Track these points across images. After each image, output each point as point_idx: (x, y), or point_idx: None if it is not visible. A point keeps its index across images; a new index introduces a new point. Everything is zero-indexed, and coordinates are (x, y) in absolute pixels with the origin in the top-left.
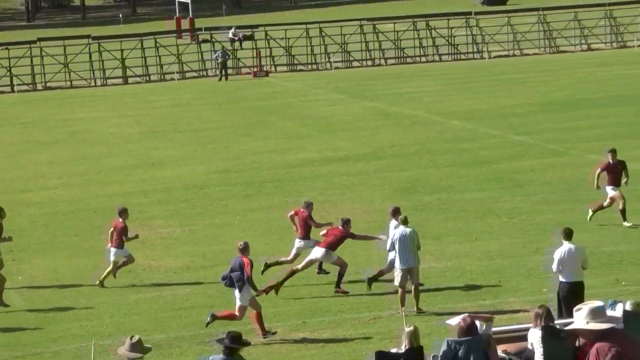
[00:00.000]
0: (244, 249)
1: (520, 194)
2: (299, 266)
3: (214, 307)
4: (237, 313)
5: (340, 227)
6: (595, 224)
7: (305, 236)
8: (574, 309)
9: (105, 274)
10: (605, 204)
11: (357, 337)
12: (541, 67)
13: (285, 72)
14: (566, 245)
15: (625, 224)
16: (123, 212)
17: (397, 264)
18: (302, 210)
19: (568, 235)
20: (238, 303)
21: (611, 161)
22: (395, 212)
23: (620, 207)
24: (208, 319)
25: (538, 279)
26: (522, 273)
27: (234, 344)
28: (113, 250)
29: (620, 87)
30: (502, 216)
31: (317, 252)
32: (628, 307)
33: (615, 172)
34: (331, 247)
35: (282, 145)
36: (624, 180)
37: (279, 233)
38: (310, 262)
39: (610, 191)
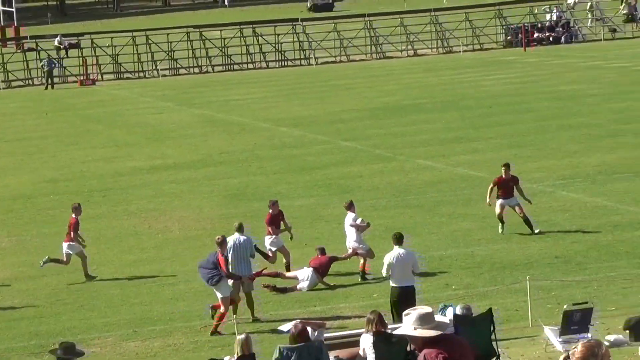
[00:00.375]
0: (222, 243)
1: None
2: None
3: (43, 317)
4: (222, 309)
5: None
6: (424, 230)
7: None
8: (403, 313)
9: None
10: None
11: (189, 345)
12: (368, 73)
13: (112, 80)
14: (396, 250)
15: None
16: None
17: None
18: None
19: (398, 240)
20: (220, 296)
21: (504, 176)
22: (350, 206)
23: (522, 216)
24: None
25: (368, 284)
26: (353, 278)
27: (67, 355)
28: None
29: (447, 93)
30: (332, 222)
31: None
32: (458, 311)
33: (507, 187)
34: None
35: (110, 153)
36: (522, 196)
37: (108, 242)
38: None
39: (498, 207)
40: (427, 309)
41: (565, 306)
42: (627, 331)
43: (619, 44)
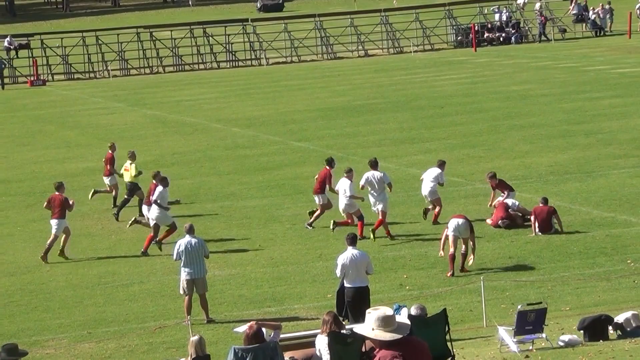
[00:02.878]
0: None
1: (302, 200)
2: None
3: None
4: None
5: None
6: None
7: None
8: (366, 312)
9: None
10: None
11: (143, 347)
12: (319, 74)
13: (63, 80)
14: (350, 251)
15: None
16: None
17: (183, 274)
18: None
19: (352, 240)
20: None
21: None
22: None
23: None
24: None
25: (323, 284)
26: (307, 279)
27: (11, 356)
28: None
29: (399, 93)
30: (285, 223)
31: None
32: (412, 311)
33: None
34: None
35: (63, 154)
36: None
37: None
38: None
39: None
40: (389, 311)
41: (519, 306)
42: (581, 331)
43: (569, 44)
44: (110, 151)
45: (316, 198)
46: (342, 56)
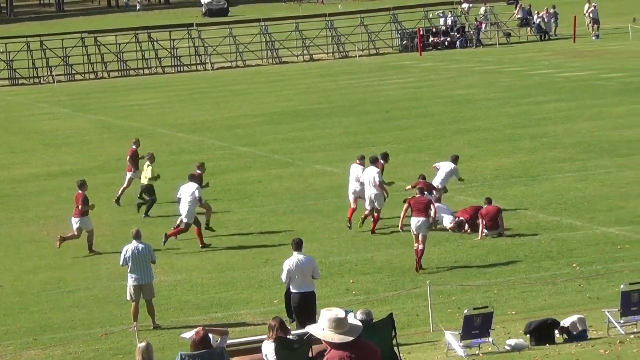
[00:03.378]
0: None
1: (248, 205)
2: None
3: None
4: None
5: None
6: (324, 235)
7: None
8: (321, 311)
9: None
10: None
11: (90, 353)
12: (264, 78)
13: (7, 86)
14: (296, 256)
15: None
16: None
17: (130, 280)
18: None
19: (297, 245)
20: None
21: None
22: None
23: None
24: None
25: (269, 290)
26: (253, 285)
27: None
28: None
29: (344, 97)
30: (232, 228)
31: None
32: (358, 316)
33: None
34: None
35: (7, 160)
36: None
37: (6, 249)
38: None
39: None
40: (341, 314)
41: (465, 310)
42: (528, 335)
43: (514, 48)
44: (134, 146)
45: None
46: (287, 61)
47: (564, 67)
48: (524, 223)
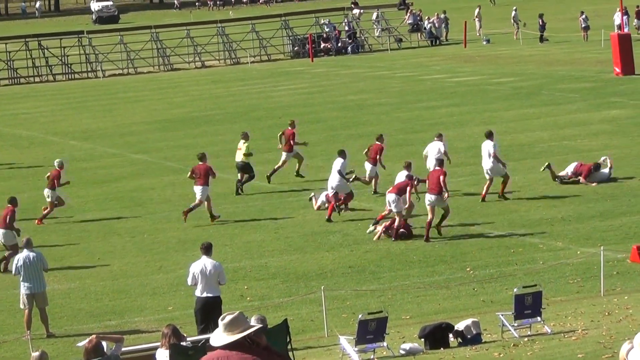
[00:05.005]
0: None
1: (141, 212)
2: None
3: None
4: None
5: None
6: (218, 241)
7: None
8: (219, 319)
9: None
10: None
11: None
12: (156, 85)
13: None
14: (202, 260)
15: None
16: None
17: (22, 289)
18: None
19: (206, 250)
20: None
21: None
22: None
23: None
24: None
25: (163, 297)
26: (147, 292)
27: None
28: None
29: (236, 104)
30: (124, 235)
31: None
32: (252, 322)
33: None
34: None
35: None
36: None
37: None
38: None
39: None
40: (235, 314)
41: (360, 315)
42: (422, 339)
43: (405, 53)
44: (290, 128)
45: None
46: (179, 68)
47: (455, 72)
48: (418, 228)
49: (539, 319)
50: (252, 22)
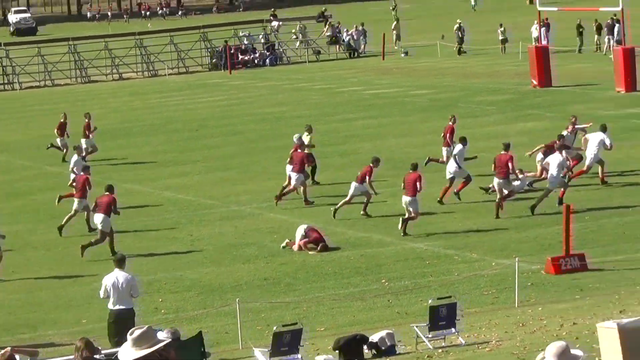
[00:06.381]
0: None
1: (57, 225)
2: None
3: None
4: None
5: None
6: (133, 253)
7: None
8: (128, 334)
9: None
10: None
11: None
12: (73, 98)
13: None
14: (115, 273)
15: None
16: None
17: None
18: None
19: (118, 262)
20: None
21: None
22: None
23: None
24: None
25: (78, 310)
26: (61, 305)
27: None
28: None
29: (154, 116)
30: (40, 248)
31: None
32: (165, 335)
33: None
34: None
35: None
36: None
37: None
38: None
39: None
40: (143, 328)
41: (275, 327)
42: (337, 351)
43: (323, 65)
44: (450, 123)
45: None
46: (96, 80)
47: (373, 84)
48: (334, 240)
49: (453, 330)
50: (171, 34)
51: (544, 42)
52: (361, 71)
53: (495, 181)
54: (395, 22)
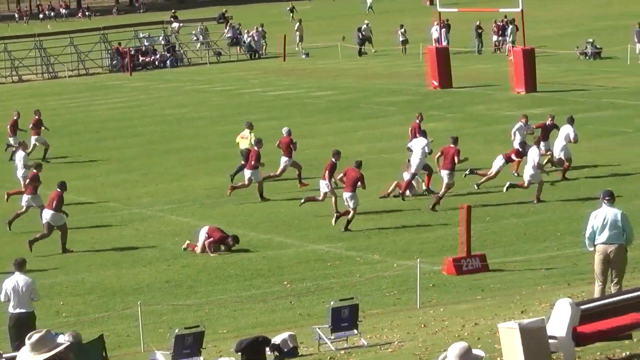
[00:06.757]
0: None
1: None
2: None
3: None
4: None
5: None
6: (34, 257)
7: None
8: (26, 338)
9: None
10: None
11: None
12: None
13: None
14: (15, 276)
15: None
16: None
17: None
18: None
19: (18, 265)
20: None
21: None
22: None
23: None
24: None
25: None
26: None
27: None
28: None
29: (54, 118)
30: None
31: None
32: (66, 338)
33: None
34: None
35: None
36: None
37: None
38: None
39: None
40: (41, 332)
41: (177, 330)
42: (239, 353)
43: (224, 67)
44: (417, 120)
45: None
46: None
47: (274, 85)
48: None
49: (355, 331)
50: (71, 35)
51: (444, 43)
52: (262, 72)
53: (440, 171)
54: (297, 24)
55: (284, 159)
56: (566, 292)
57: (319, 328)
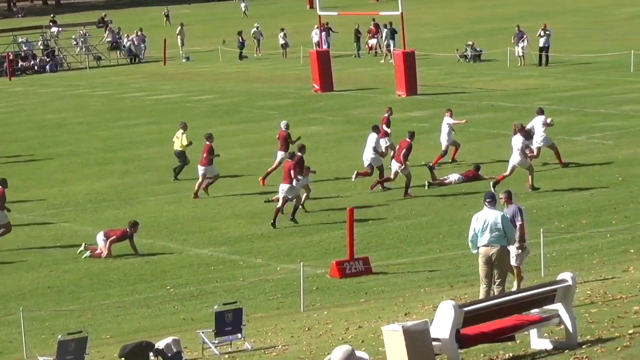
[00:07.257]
0: None
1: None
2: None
3: None
4: None
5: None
6: None
7: None
8: None
9: None
10: None
11: None
12: None
13: None
14: None
15: None
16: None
17: None
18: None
19: None
20: None
21: None
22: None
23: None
24: None
25: None
26: None
27: None
28: None
29: None
30: None
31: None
32: None
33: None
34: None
35: None
36: None
37: None
38: None
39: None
40: None
41: (59, 336)
42: (123, 359)
43: (104, 71)
44: (386, 115)
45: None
46: None
47: (155, 89)
48: (117, 245)
49: (239, 335)
50: None
51: (324, 47)
52: (143, 77)
53: (394, 165)
54: (180, 27)
55: (280, 153)
56: (449, 294)
57: (203, 332)
